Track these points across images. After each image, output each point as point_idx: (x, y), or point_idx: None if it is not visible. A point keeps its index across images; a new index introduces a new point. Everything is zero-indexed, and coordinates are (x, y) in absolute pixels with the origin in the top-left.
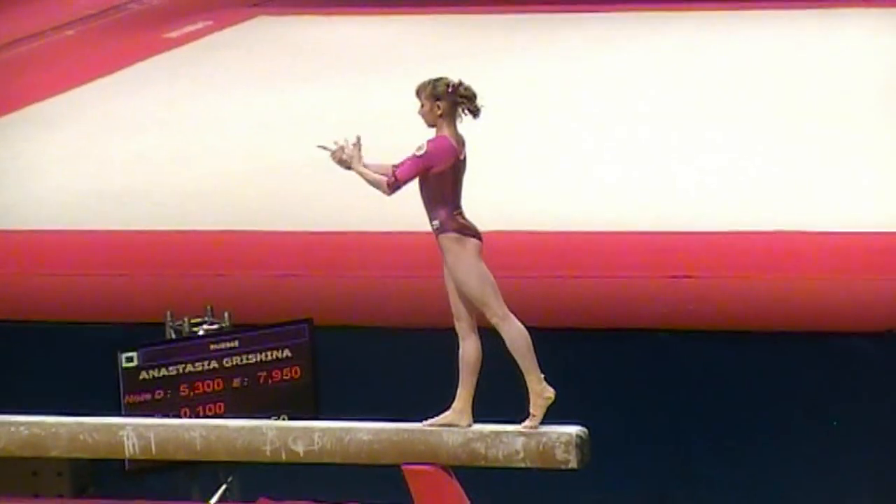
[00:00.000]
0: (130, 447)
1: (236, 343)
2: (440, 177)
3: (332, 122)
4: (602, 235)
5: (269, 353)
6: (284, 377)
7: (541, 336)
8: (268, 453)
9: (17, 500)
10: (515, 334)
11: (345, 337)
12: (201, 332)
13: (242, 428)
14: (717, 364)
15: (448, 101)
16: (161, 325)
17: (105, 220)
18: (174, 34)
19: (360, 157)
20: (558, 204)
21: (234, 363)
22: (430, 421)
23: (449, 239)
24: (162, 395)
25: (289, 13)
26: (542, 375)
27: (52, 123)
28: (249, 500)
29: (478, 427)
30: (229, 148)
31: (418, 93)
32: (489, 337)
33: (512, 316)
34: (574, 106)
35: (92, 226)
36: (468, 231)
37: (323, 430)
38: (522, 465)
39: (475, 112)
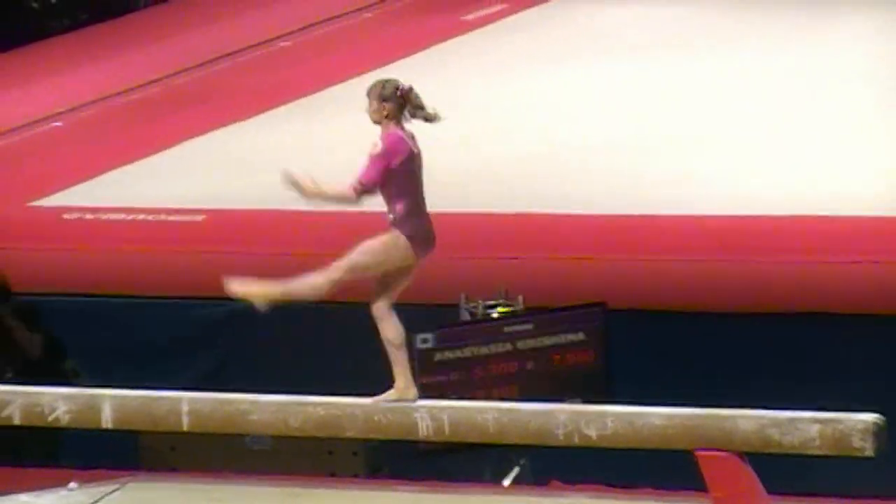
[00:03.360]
0: (424, 428)
1: (530, 326)
2: (394, 172)
3: (626, 103)
4: None
5: (562, 337)
6: (578, 360)
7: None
8: (560, 437)
9: (313, 478)
10: (306, 289)
11: (638, 320)
12: (495, 315)
13: (535, 411)
14: None
15: (394, 103)
16: (455, 307)
17: None
18: (470, 17)
19: (309, 184)
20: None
21: (528, 346)
22: (377, 398)
23: (396, 235)
24: (456, 376)
25: None
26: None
27: (349, 105)
28: (541, 482)
29: (772, 413)
30: (523, 130)
31: (368, 92)
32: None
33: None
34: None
35: (379, 208)
36: (418, 243)
37: (616, 414)
38: (817, 452)
39: (429, 118)
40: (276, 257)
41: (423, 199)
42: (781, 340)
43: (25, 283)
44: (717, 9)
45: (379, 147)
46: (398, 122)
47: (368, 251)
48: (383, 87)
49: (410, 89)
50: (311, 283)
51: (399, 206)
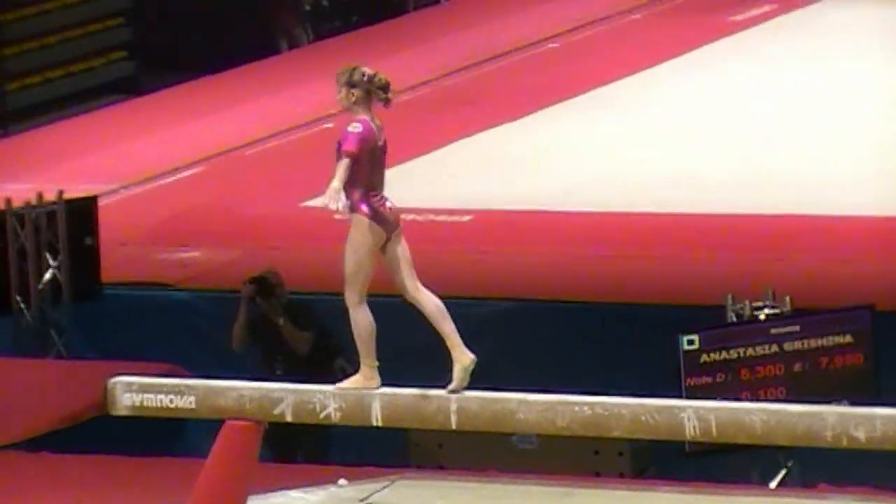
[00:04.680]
0: (691, 429)
1: (797, 327)
2: (356, 159)
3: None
4: None
5: (829, 339)
6: (845, 362)
7: None
8: (829, 439)
9: (578, 477)
10: (361, 322)
11: None
12: (762, 316)
13: (803, 413)
14: None
15: (362, 89)
16: (721, 308)
17: (665, 202)
18: (739, 17)
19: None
20: None
21: (795, 348)
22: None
23: (357, 218)
24: (722, 377)
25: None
26: (377, 364)
27: (615, 105)
28: (809, 485)
29: None
30: (792, 130)
31: (337, 79)
32: None
33: (365, 306)
34: None
35: (652, 208)
36: (379, 220)
37: (885, 416)
38: None
39: (387, 102)
40: (539, 257)
41: (381, 185)
42: None
43: (297, 281)
44: None
45: (359, 128)
46: (367, 109)
47: (348, 254)
48: (351, 73)
49: (375, 74)
50: (356, 322)
51: (355, 193)
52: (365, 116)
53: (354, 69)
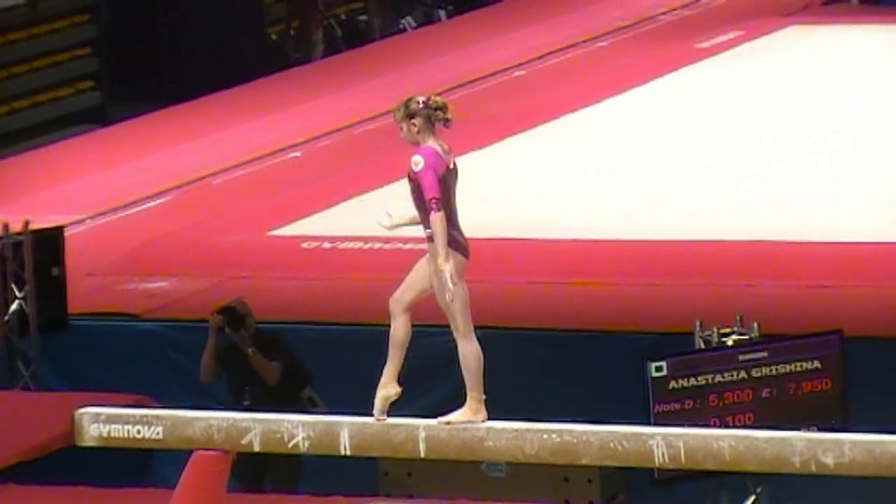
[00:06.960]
0: (660, 456)
1: (765, 353)
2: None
3: (863, 132)
4: None
5: (798, 364)
6: (814, 388)
7: None
8: (797, 465)
9: None
10: (469, 353)
11: (875, 348)
12: (730, 343)
13: (771, 439)
14: None
15: (422, 116)
16: (689, 335)
17: (634, 229)
18: (705, 44)
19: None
20: None
21: (763, 374)
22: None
23: (435, 248)
24: (690, 404)
25: (823, 23)
26: (484, 397)
27: (582, 133)
28: None
29: None
30: (759, 157)
31: (394, 117)
32: None
33: (473, 337)
34: None
35: (620, 236)
36: (456, 247)
37: (854, 442)
38: None
39: (447, 122)
40: (505, 285)
41: (455, 212)
42: None
43: (265, 311)
44: None
45: (421, 163)
46: (432, 134)
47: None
48: (406, 105)
49: (430, 98)
50: (465, 355)
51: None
52: (431, 143)
53: (408, 100)
